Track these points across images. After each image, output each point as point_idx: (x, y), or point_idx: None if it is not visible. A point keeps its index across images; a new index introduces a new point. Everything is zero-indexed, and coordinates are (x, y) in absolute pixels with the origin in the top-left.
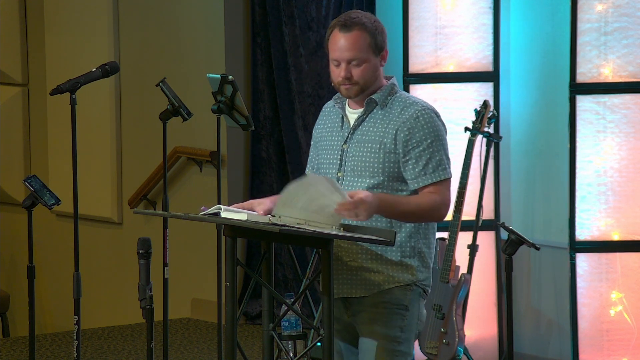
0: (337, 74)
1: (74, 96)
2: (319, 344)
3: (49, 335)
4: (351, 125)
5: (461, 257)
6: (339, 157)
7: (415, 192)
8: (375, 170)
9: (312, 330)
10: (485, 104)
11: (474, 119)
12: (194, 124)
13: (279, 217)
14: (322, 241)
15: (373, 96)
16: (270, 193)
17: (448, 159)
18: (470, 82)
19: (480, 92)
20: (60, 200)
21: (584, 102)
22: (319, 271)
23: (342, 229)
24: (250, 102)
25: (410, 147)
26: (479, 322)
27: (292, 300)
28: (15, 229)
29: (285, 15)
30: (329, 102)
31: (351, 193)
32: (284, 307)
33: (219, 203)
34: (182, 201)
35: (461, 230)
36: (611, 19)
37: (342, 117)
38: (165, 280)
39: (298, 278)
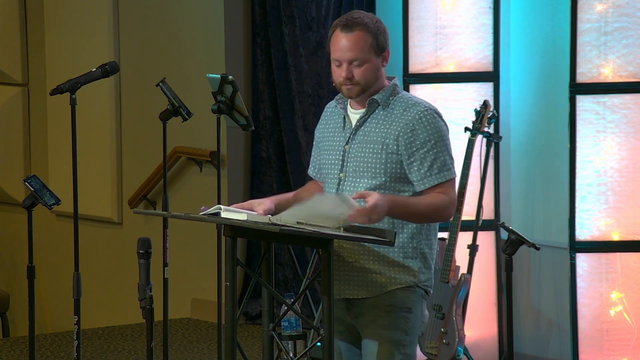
0: (338, 74)
1: (74, 96)
2: (319, 344)
3: (49, 335)
4: (353, 126)
5: (461, 257)
6: (340, 157)
7: (420, 193)
8: (378, 171)
9: (312, 330)
10: (485, 104)
11: (474, 119)
12: (194, 124)
13: (279, 217)
14: (322, 241)
15: (375, 97)
16: (270, 193)
17: (452, 158)
18: (470, 82)
19: (480, 92)
20: (60, 200)
21: (584, 102)
22: (319, 271)
23: (342, 229)
24: (250, 102)
25: (414, 149)
26: (479, 322)
27: (292, 300)
28: (15, 229)
29: (285, 15)
30: (330, 102)
31: (362, 194)
32: (284, 307)
33: (219, 203)
34: (182, 201)
35: (461, 230)
36: (611, 19)
37: (344, 118)
38: (165, 280)
39: (298, 278)
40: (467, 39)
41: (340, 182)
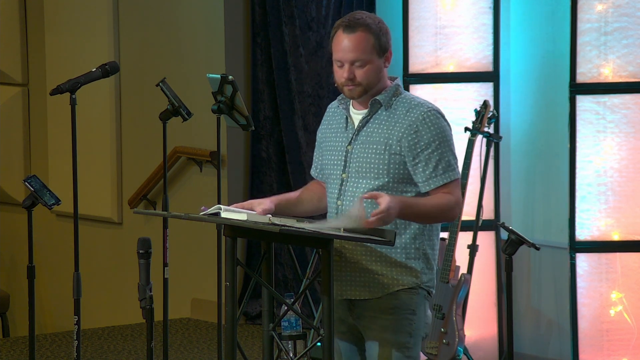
0: (340, 74)
1: (74, 96)
2: (319, 344)
3: (49, 335)
4: (355, 126)
5: (461, 257)
6: (343, 158)
7: (425, 194)
8: (380, 171)
9: (312, 330)
10: (485, 104)
11: (474, 119)
12: (194, 124)
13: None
14: (322, 241)
15: (377, 97)
16: (271, 193)
17: (456, 158)
18: (470, 82)
19: (480, 92)
20: (60, 200)
21: (584, 102)
22: (319, 271)
23: (342, 229)
24: (250, 102)
25: (418, 150)
26: (479, 322)
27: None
28: (15, 229)
29: (285, 15)
30: (333, 102)
31: (373, 194)
32: (284, 307)
33: (219, 203)
34: (182, 201)
35: (461, 230)
36: (611, 19)
37: (347, 118)
38: (165, 280)
39: (298, 278)
40: (467, 39)
41: (342, 183)
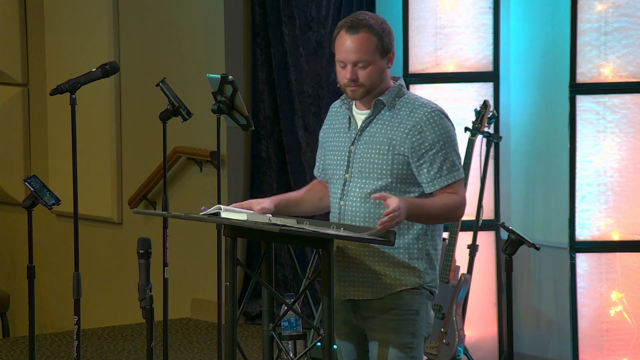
0: (343, 75)
1: (74, 96)
2: (319, 344)
3: (49, 335)
4: (359, 127)
5: (461, 257)
6: (346, 158)
7: (429, 194)
8: (384, 172)
9: (312, 330)
10: (485, 104)
11: (474, 119)
12: (194, 124)
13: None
14: (322, 241)
15: (381, 98)
16: (270, 193)
17: (459, 158)
18: (470, 82)
19: (480, 92)
20: (60, 200)
21: (584, 102)
22: (319, 271)
23: (342, 229)
24: (250, 102)
25: (423, 151)
26: (479, 322)
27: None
28: (15, 229)
29: (285, 15)
30: (335, 102)
31: (383, 195)
32: (284, 307)
33: (219, 203)
34: (182, 201)
35: (461, 230)
36: (611, 19)
37: (349, 118)
38: (165, 280)
39: (298, 278)
40: (467, 39)
41: (345, 183)
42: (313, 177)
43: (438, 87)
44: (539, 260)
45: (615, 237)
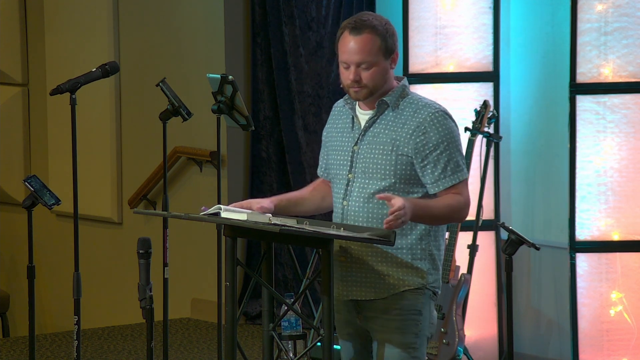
0: (346, 76)
1: (74, 96)
2: (319, 344)
3: (49, 335)
4: (362, 127)
5: (461, 257)
6: (349, 158)
7: (433, 195)
8: (387, 172)
9: (312, 330)
10: (485, 104)
11: (474, 119)
12: (194, 124)
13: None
14: (322, 241)
15: (384, 98)
16: (270, 193)
17: (463, 158)
18: (470, 82)
19: (480, 92)
20: (60, 200)
21: (584, 102)
22: (319, 271)
23: (342, 229)
24: (250, 102)
25: (427, 152)
26: (479, 322)
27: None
28: (15, 229)
29: (285, 15)
30: (339, 101)
31: (387, 196)
32: (284, 307)
33: (219, 203)
34: (182, 201)
35: (461, 230)
36: (611, 19)
37: (353, 118)
38: (165, 280)
39: (298, 278)
40: (467, 39)
41: (348, 183)
42: (313, 177)
43: (438, 87)
44: (539, 260)
45: (615, 237)
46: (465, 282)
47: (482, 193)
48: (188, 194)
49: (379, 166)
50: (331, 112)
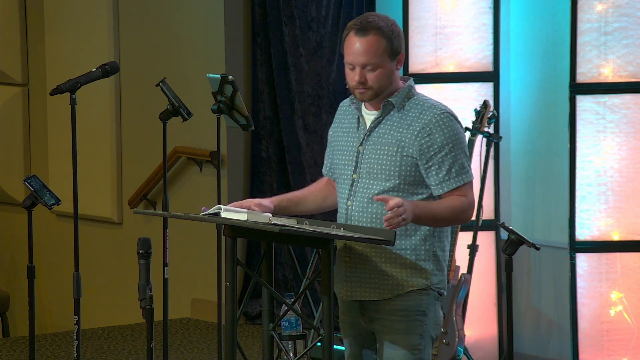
0: (351, 77)
1: (74, 96)
2: (319, 344)
3: (49, 335)
4: (367, 127)
5: (461, 257)
6: (354, 158)
7: (438, 196)
8: (392, 173)
9: (312, 330)
10: (485, 104)
11: (474, 119)
12: (194, 124)
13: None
14: (322, 241)
15: (390, 99)
16: (270, 193)
17: (469, 160)
18: (470, 82)
19: (480, 92)
20: (60, 200)
21: (584, 102)
22: (319, 271)
23: (342, 228)
24: (250, 102)
25: (432, 153)
26: (479, 322)
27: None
28: (15, 229)
29: (285, 15)
30: (345, 100)
31: (384, 198)
32: (284, 307)
33: (219, 203)
34: (182, 201)
35: (461, 230)
36: (611, 19)
37: (358, 118)
38: (165, 280)
39: (298, 278)
40: (467, 39)
41: (353, 184)
42: (313, 177)
43: (438, 87)
44: (539, 260)
45: (615, 237)
46: (465, 282)
47: (482, 193)
48: (188, 194)
49: (383, 167)
50: (337, 112)
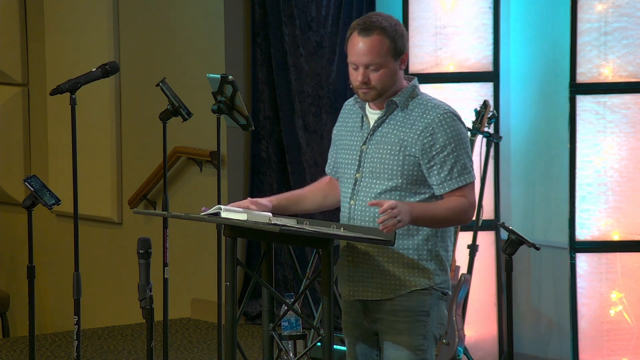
0: (355, 77)
1: (74, 96)
2: (319, 344)
3: (49, 335)
4: (371, 126)
5: (461, 257)
6: (357, 157)
7: (439, 196)
8: (394, 172)
9: (312, 330)
10: (485, 104)
11: (474, 119)
12: (194, 124)
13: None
14: (322, 241)
15: (394, 98)
16: (270, 193)
17: (471, 161)
18: (470, 82)
19: (480, 92)
20: (60, 200)
21: (584, 102)
22: (319, 271)
23: (342, 228)
24: (250, 102)
25: (434, 153)
26: (479, 322)
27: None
28: (15, 229)
29: (285, 15)
30: (349, 99)
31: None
32: (284, 307)
33: (219, 203)
34: (182, 201)
35: (461, 230)
36: (611, 19)
37: (362, 117)
38: (165, 280)
39: (298, 278)
40: (467, 39)
41: (356, 183)
42: (313, 177)
43: (438, 87)
44: (539, 260)
45: (615, 237)
46: (465, 282)
47: (482, 193)
48: (188, 194)
49: (386, 166)
50: (341, 111)
